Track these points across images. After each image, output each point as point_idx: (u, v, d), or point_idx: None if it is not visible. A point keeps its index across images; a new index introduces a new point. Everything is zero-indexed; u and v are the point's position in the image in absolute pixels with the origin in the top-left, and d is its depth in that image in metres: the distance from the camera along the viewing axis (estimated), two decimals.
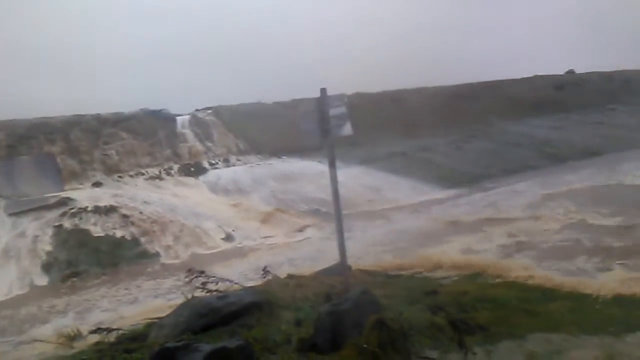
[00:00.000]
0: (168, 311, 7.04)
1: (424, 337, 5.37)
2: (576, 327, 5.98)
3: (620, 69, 42.05)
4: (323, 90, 6.27)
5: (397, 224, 15.58)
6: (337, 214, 6.35)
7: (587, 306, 6.69)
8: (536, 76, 39.80)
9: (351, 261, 7.59)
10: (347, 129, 6.43)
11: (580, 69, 43.11)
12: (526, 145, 26.71)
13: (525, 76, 39.50)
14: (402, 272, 9.06)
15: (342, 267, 6.67)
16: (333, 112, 6.30)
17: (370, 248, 12.74)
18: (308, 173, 22.42)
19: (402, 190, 20.54)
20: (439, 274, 9.09)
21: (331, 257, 10.69)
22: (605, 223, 12.40)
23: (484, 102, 33.75)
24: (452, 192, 19.75)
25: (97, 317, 9.87)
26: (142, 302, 10.93)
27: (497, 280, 8.10)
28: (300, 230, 16.29)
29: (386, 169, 22.98)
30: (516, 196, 17.57)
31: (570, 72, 42.86)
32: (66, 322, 9.82)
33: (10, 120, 23.90)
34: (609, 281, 8.02)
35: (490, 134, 29.08)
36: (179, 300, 8.06)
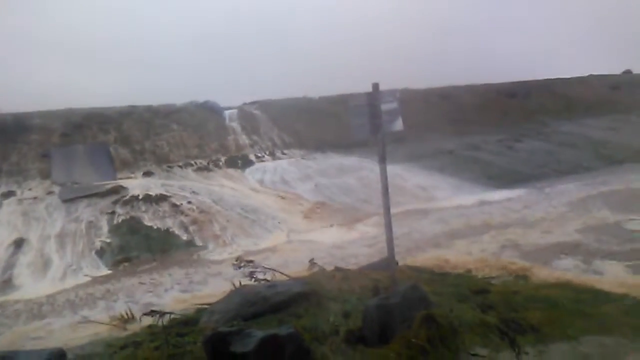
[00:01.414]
0: (215, 299, 7.20)
1: (474, 335, 5.30)
2: (631, 330, 5.79)
3: None
4: (375, 85, 6.24)
5: (436, 223, 15.36)
6: (386, 209, 6.32)
7: None
8: (591, 75, 38.52)
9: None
10: (399, 125, 6.39)
11: (638, 69, 41.59)
12: (581, 146, 25.86)
13: (580, 75, 38.34)
14: (449, 271, 8.95)
15: (389, 262, 6.64)
16: (385, 107, 6.26)
17: (411, 245, 12.68)
18: (352, 168, 22.40)
19: (447, 189, 20.25)
20: (483, 273, 8.97)
21: (374, 253, 10.77)
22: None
23: (537, 100, 32.92)
24: (501, 192, 19.28)
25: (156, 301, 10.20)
26: (189, 288, 11.20)
27: (548, 281, 7.91)
28: (345, 224, 16.30)
29: (433, 166, 22.72)
30: (564, 196, 17.11)
31: (628, 72, 41.34)
32: (119, 305, 10.17)
33: (67, 109, 24.91)
34: None
35: (542, 133, 28.33)
36: (226, 288, 8.25)
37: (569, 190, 18.24)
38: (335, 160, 24.12)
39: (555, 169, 22.47)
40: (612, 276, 8.59)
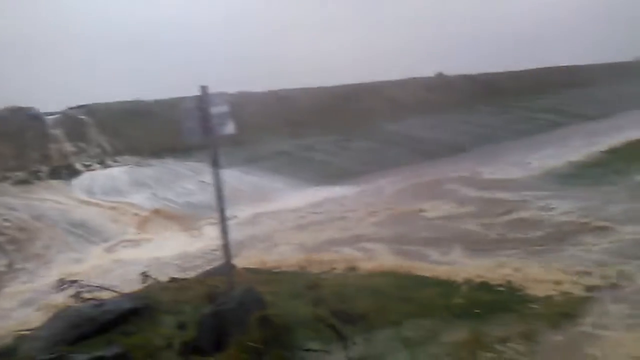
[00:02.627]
0: (38, 324, 6.59)
1: (308, 330, 5.53)
2: (446, 311, 6.48)
3: (483, 71, 45.88)
4: (204, 88, 6.20)
5: (273, 223, 15.75)
6: (221, 214, 6.32)
7: (455, 292, 7.26)
8: (409, 78, 42.05)
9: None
10: (230, 128, 6.40)
11: (448, 71, 46.44)
12: (402, 143, 28.22)
13: (401, 78, 41.60)
14: (285, 269, 9.23)
15: (226, 267, 6.64)
16: (215, 110, 6.24)
17: (249, 247, 12.88)
18: (191, 173, 21.93)
19: (284, 189, 20.80)
20: (317, 269, 9.40)
21: (216, 259, 10.68)
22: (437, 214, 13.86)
23: (364, 103, 35.10)
24: (333, 190, 20.23)
25: None
26: (6, 315, 10.06)
27: (374, 271, 8.53)
28: (184, 231, 15.92)
29: (271, 168, 23.15)
30: (383, 190, 18.69)
31: (440, 75, 45.90)
32: None
33: None
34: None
35: (370, 133, 30.28)
36: (49, 312, 7.56)
37: (388, 184, 19.89)
38: (172, 165, 23.36)
39: (380, 166, 24.23)
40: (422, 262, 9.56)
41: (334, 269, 8.81)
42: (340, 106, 33.77)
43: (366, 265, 8.90)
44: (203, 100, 6.17)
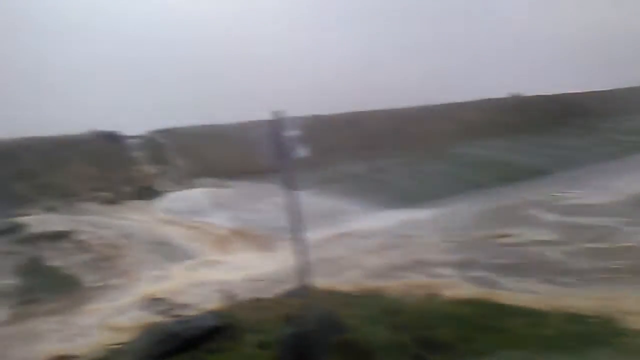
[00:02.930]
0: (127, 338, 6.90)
1: (388, 356, 5.44)
2: (537, 342, 6.15)
3: (563, 92, 44.13)
4: (278, 113, 6.35)
5: (349, 246, 15.64)
6: (297, 235, 6.40)
7: (544, 322, 6.89)
8: (483, 99, 40.98)
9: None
10: (303, 151, 6.51)
11: (525, 91, 44.91)
12: (476, 166, 27.42)
13: (473, 99, 40.60)
14: (364, 293, 9.16)
15: (304, 289, 6.70)
16: (288, 134, 6.38)
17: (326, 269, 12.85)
18: (267, 195, 22.32)
19: (357, 212, 20.70)
20: (396, 293, 9.25)
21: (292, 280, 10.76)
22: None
23: (435, 124, 34.56)
24: (405, 213, 19.85)
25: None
26: (97, 330, 10.54)
27: (456, 298, 8.28)
28: (262, 252, 16.18)
29: (343, 190, 23.17)
30: (460, 215, 18.13)
31: (516, 95, 44.46)
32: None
33: None
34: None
35: (441, 155, 29.71)
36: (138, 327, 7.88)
37: (463, 208, 19.28)
38: (249, 187, 23.92)
39: (455, 189, 23.56)
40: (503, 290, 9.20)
41: (412, 294, 8.65)
42: (412, 128, 33.48)
43: (445, 291, 8.68)
44: (276, 124, 6.33)
